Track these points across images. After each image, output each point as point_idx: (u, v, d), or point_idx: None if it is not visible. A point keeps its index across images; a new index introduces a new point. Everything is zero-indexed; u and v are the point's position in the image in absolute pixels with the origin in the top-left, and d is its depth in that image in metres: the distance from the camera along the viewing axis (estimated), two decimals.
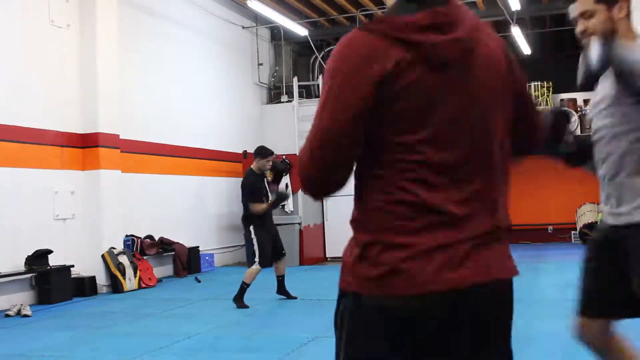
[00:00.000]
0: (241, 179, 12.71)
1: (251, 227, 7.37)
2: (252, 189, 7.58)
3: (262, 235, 7.34)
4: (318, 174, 1.57)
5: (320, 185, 1.61)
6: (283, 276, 7.73)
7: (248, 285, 7.31)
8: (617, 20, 2.48)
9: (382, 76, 1.49)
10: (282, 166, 8.27)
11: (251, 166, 7.81)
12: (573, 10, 2.57)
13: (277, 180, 8.45)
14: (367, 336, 1.56)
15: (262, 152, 7.75)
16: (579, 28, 2.55)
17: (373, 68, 1.49)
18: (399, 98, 1.50)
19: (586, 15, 2.52)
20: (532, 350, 4.87)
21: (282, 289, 7.74)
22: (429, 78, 1.50)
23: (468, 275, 1.50)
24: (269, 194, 7.71)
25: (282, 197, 7.77)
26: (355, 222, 1.62)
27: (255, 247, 7.29)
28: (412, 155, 1.52)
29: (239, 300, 7.30)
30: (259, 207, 7.41)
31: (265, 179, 7.80)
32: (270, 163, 7.83)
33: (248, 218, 7.51)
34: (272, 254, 7.47)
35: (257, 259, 7.27)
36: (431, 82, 1.51)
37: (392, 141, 1.53)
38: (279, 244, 7.64)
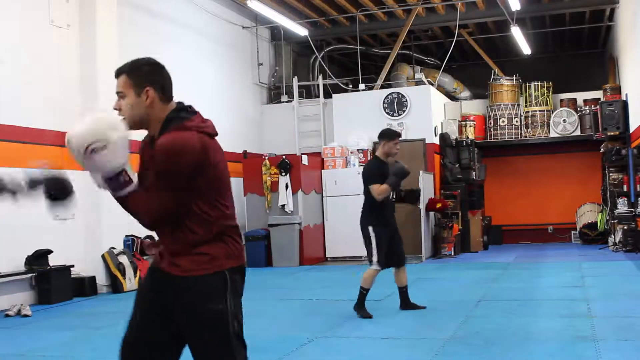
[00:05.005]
0: (241, 178, 12.87)
1: (370, 228, 6.39)
2: (372, 172, 6.47)
3: (381, 233, 6.40)
4: None
5: None
6: (406, 287, 6.70)
7: (367, 290, 6.44)
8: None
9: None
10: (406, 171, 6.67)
11: (376, 153, 6.75)
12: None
13: (414, 200, 7.44)
14: None
15: (389, 133, 6.68)
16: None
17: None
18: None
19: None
20: (532, 349, 4.87)
21: (407, 302, 6.69)
22: None
23: None
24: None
25: (402, 173, 6.42)
26: None
27: (373, 246, 6.37)
28: None
29: (360, 309, 6.44)
30: (380, 188, 6.31)
31: (388, 167, 6.52)
32: (398, 145, 6.62)
33: (367, 217, 6.48)
34: (389, 255, 6.50)
35: (373, 259, 6.39)
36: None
37: None
38: (397, 247, 6.58)
